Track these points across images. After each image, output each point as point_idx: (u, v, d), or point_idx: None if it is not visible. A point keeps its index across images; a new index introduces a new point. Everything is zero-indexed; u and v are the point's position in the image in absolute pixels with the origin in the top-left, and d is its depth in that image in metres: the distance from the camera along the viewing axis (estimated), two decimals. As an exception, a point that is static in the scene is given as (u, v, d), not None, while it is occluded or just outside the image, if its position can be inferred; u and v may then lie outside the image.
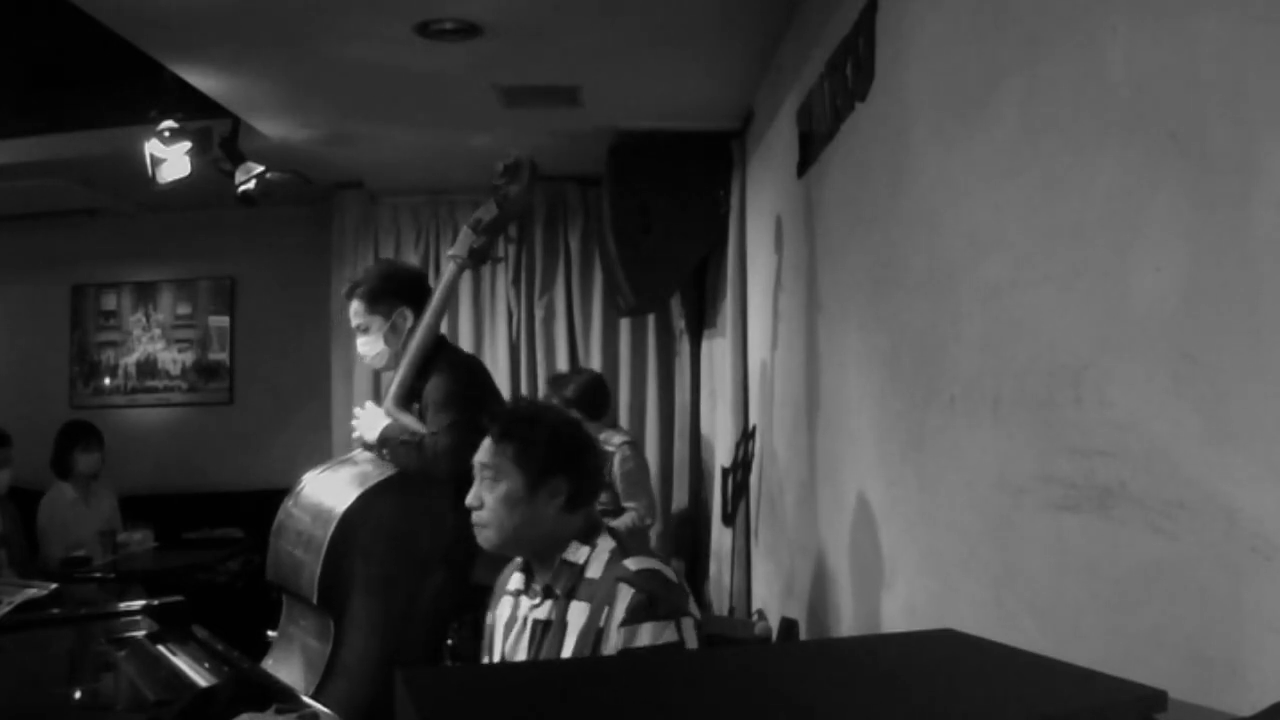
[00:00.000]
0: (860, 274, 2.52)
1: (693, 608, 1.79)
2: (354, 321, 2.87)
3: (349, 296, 2.89)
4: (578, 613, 1.79)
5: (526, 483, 1.84)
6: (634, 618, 1.71)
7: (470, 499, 1.90)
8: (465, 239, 2.81)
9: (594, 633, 1.75)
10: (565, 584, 1.83)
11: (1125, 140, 1.26)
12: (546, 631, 1.83)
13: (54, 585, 2.48)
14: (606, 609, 1.74)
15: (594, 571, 1.81)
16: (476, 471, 1.91)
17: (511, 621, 1.92)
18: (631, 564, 1.78)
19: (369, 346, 2.86)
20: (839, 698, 0.88)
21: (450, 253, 2.84)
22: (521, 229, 5.62)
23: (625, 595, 1.73)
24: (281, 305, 6.15)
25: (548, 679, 1.03)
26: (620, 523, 4.08)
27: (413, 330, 2.80)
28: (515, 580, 1.95)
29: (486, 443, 1.90)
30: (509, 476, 1.85)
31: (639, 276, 4.72)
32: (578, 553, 1.85)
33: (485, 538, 1.89)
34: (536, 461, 1.85)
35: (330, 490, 2.64)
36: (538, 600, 1.87)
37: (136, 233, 6.15)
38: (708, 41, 3.72)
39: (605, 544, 1.85)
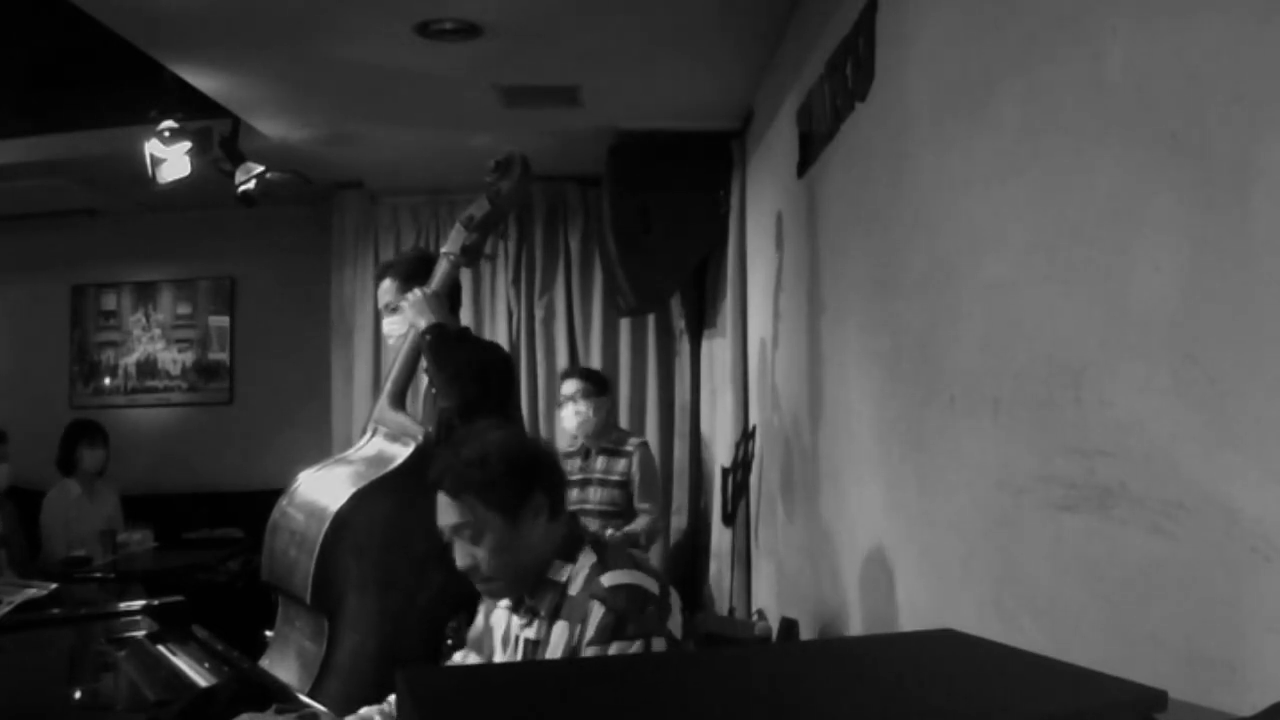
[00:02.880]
0: (860, 274, 2.52)
1: (671, 625, 1.72)
2: (384, 300, 2.92)
3: (382, 276, 2.95)
4: (559, 632, 1.75)
5: (507, 520, 1.77)
6: (601, 638, 1.66)
7: (461, 562, 1.80)
8: (457, 236, 2.79)
9: (569, 652, 1.72)
10: (550, 604, 1.78)
11: (1125, 140, 1.26)
12: (534, 650, 1.80)
13: (54, 585, 2.48)
14: (580, 627, 1.70)
15: (575, 589, 1.76)
16: (450, 537, 1.81)
17: (506, 637, 1.91)
18: (607, 579, 1.72)
19: (397, 326, 2.88)
20: (839, 698, 0.88)
21: (443, 250, 2.82)
22: (520, 228, 5.62)
23: (596, 614, 1.68)
24: (281, 305, 6.15)
25: (547, 679, 1.03)
26: (636, 525, 4.07)
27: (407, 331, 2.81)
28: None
29: (445, 504, 1.79)
30: (488, 525, 1.77)
31: (639, 276, 4.72)
32: (561, 571, 1.79)
33: (495, 591, 1.84)
34: (507, 495, 1.77)
35: (324, 489, 2.63)
36: (526, 620, 1.83)
37: (136, 233, 6.14)
38: (708, 41, 3.72)
39: (586, 559, 1.79)
